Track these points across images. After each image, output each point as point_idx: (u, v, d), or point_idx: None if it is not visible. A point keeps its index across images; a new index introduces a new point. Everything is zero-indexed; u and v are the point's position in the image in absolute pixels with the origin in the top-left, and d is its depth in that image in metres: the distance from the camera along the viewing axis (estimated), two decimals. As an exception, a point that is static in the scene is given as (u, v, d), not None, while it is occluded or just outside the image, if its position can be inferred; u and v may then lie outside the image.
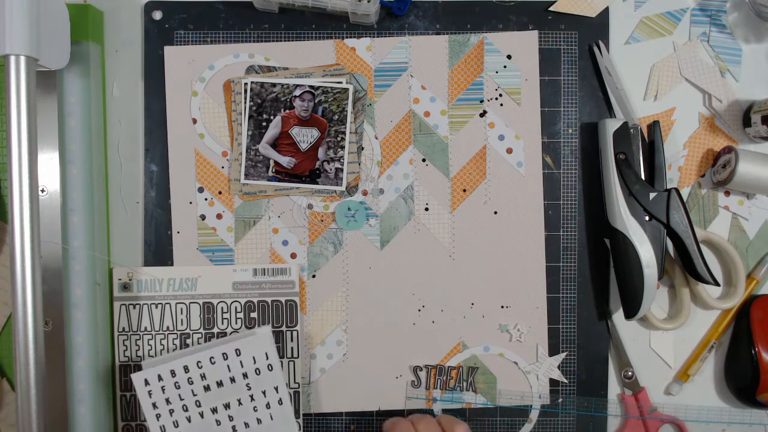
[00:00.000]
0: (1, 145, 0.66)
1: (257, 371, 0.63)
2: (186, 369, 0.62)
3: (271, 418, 0.64)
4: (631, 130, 0.64)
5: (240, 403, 0.63)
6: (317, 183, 0.67)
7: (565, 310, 0.68)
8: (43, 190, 0.62)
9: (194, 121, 0.67)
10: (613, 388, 0.69)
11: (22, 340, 0.52)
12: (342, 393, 0.68)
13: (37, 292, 0.52)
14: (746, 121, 0.67)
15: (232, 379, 0.63)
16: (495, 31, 0.67)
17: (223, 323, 0.67)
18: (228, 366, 0.63)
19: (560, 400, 0.68)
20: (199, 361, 0.62)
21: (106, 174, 0.68)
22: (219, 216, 0.67)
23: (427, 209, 0.68)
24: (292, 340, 0.68)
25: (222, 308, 0.67)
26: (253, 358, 0.63)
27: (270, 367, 0.63)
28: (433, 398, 0.68)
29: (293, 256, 0.68)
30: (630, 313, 0.64)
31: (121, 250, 0.68)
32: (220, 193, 0.67)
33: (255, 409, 0.63)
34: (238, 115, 0.67)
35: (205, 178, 0.67)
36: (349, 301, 0.68)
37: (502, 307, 0.68)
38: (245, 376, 0.63)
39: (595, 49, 0.67)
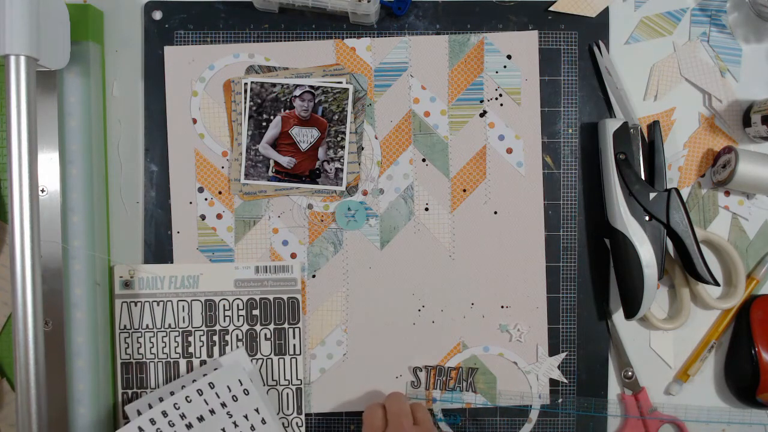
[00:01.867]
0: (1, 145, 0.66)
1: (234, 398, 0.64)
2: (165, 414, 0.63)
3: None
4: (631, 130, 0.64)
5: None
6: (317, 183, 0.67)
7: (565, 310, 0.68)
8: (43, 190, 0.62)
9: (194, 121, 0.67)
10: (613, 388, 0.69)
11: (22, 340, 0.52)
12: (342, 393, 0.68)
13: (37, 292, 0.52)
14: (746, 121, 0.67)
15: (212, 411, 0.63)
16: (495, 31, 0.67)
17: (225, 321, 0.67)
18: (205, 400, 0.63)
19: (560, 400, 0.68)
20: (176, 403, 0.63)
21: (106, 174, 0.68)
22: (219, 216, 0.67)
23: (427, 209, 0.68)
24: (294, 338, 0.68)
25: (224, 306, 0.67)
26: (228, 387, 0.64)
27: (246, 392, 0.64)
28: (433, 398, 0.68)
29: (293, 256, 0.68)
30: (630, 313, 0.64)
31: (121, 250, 0.68)
32: (220, 193, 0.67)
33: None
34: (238, 115, 0.67)
35: (205, 178, 0.67)
36: (349, 301, 0.68)
37: (502, 307, 0.68)
38: (224, 405, 0.64)
39: (595, 49, 0.67)
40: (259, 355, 0.68)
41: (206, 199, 0.67)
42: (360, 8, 0.64)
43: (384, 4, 0.66)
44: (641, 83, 0.68)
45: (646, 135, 0.66)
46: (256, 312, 0.67)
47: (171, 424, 0.63)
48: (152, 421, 0.63)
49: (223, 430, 0.63)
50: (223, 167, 0.67)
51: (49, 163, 0.62)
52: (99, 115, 0.66)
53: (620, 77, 0.67)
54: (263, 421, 0.64)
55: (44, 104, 0.62)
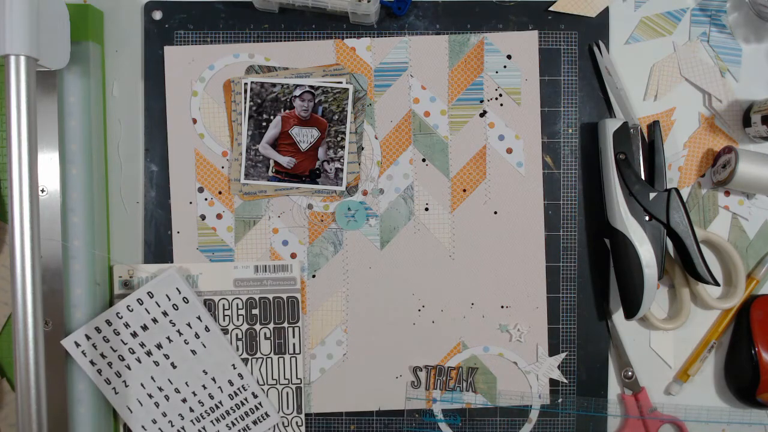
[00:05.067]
0: (1, 145, 0.66)
1: (175, 306, 0.64)
2: (109, 323, 0.64)
3: (204, 346, 0.65)
4: (631, 130, 0.64)
5: (170, 340, 0.65)
6: (317, 183, 0.67)
7: (565, 310, 0.68)
8: (43, 190, 0.62)
9: (194, 121, 0.67)
10: (613, 388, 0.69)
11: (22, 340, 0.52)
12: (342, 393, 0.68)
13: (37, 292, 0.52)
14: (746, 121, 0.67)
15: (155, 320, 0.64)
16: (495, 31, 0.67)
17: (224, 320, 0.67)
18: (146, 309, 0.64)
19: (560, 400, 0.68)
20: (118, 312, 0.64)
21: (106, 174, 0.68)
22: (219, 216, 0.67)
23: (427, 209, 0.68)
24: (294, 337, 0.68)
25: (223, 305, 0.67)
26: (167, 296, 0.64)
27: (186, 300, 0.64)
28: (432, 399, 0.68)
29: (293, 256, 0.68)
30: (630, 313, 0.64)
31: (121, 250, 0.68)
32: (220, 193, 0.67)
33: (186, 342, 0.65)
34: (238, 115, 0.67)
35: (205, 178, 0.67)
36: (349, 301, 0.68)
37: (502, 307, 0.68)
38: (165, 314, 0.64)
39: (595, 49, 0.67)
40: (258, 354, 0.68)
41: (206, 199, 0.67)
42: (360, 8, 0.64)
43: (384, 4, 0.66)
44: (641, 83, 0.68)
45: (646, 135, 0.66)
46: (255, 311, 0.67)
47: (116, 332, 0.64)
48: (98, 329, 0.64)
49: (168, 338, 0.65)
50: (223, 167, 0.67)
51: (49, 163, 0.62)
52: (99, 115, 0.66)
53: (620, 77, 0.67)
54: (206, 329, 0.65)
55: (44, 104, 0.62)
